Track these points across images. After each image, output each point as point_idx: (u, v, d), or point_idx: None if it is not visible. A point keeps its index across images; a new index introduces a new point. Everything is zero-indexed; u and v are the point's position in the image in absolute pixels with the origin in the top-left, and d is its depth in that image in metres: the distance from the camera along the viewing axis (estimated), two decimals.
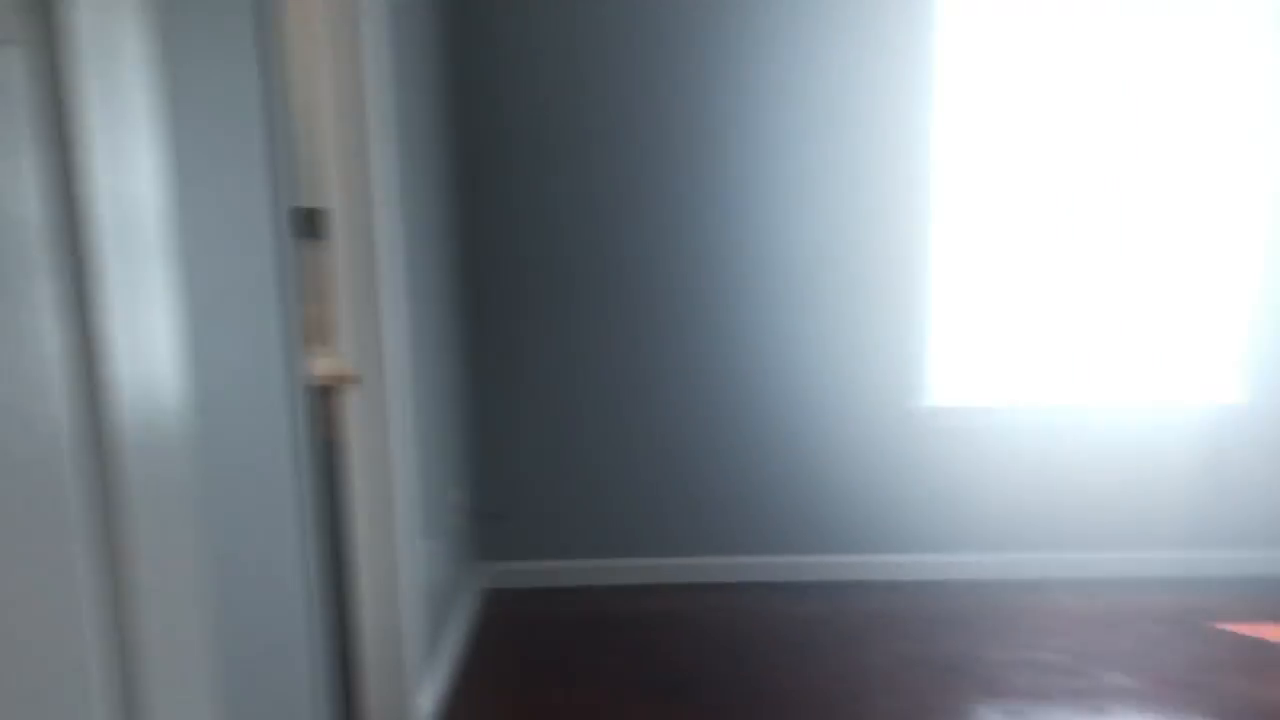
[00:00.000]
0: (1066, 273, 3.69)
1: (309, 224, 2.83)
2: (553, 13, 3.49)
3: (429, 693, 2.92)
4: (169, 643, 1.26)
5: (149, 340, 1.23)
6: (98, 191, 1.13)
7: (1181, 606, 3.59)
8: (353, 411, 2.60)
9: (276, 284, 1.84)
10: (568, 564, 3.86)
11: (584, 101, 3.56)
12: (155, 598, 1.23)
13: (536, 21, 3.50)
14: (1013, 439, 3.77)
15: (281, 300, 1.86)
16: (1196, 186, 3.63)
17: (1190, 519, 3.82)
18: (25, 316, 1.06)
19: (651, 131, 3.58)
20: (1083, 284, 3.70)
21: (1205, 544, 3.84)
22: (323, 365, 2.58)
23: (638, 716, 2.96)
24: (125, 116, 1.19)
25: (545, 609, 3.69)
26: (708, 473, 3.80)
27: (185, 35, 1.50)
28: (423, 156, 3.04)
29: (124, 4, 1.18)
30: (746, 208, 3.62)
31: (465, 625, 3.49)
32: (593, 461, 3.80)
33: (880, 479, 3.81)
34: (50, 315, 1.09)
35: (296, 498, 1.93)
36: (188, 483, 1.33)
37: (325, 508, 2.49)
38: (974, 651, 3.30)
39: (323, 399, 2.62)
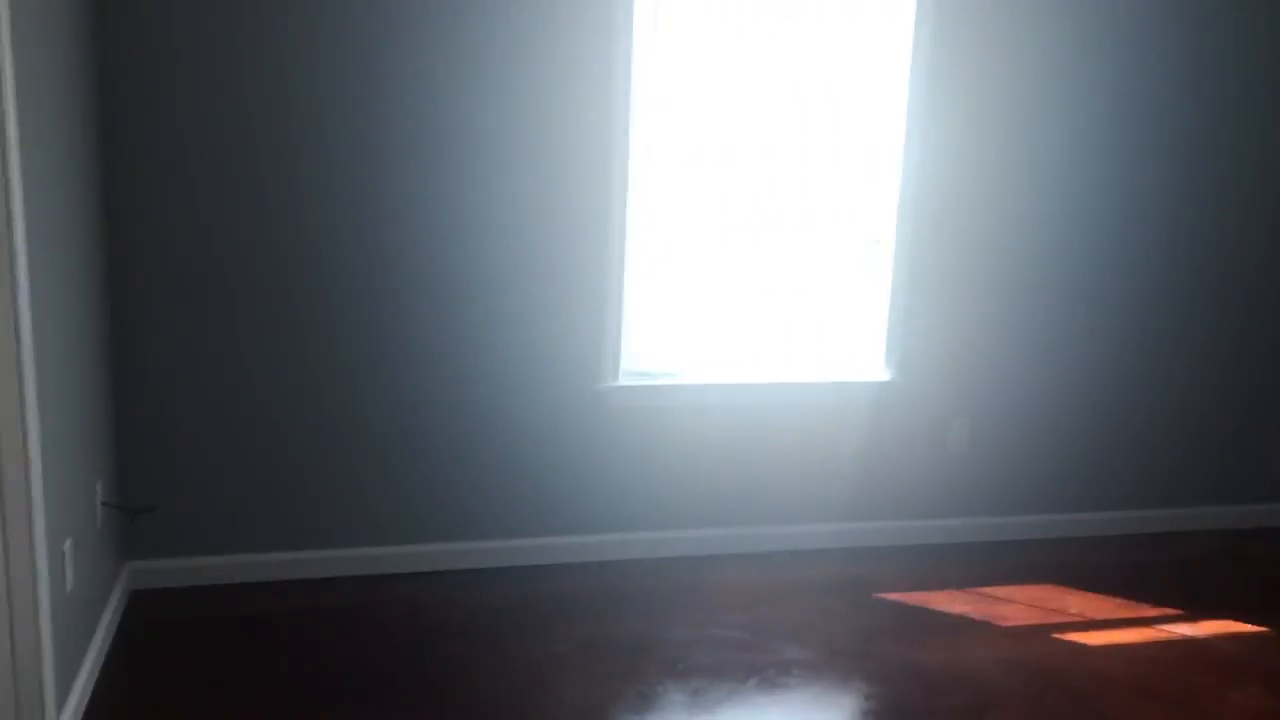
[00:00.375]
0: (740, 264, 3.78)
1: None
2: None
3: (65, 717, 2.55)
4: None
5: None
6: None
7: (846, 577, 3.77)
8: None
9: None
10: (229, 560, 3.53)
11: (247, 86, 3.23)
12: None
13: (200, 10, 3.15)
14: (692, 418, 3.82)
15: None
16: (850, 190, 3.82)
17: (850, 492, 4.03)
18: None
19: (323, 110, 3.31)
20: (754, 274, 3.80)
21: (864, 515, 4.06)
22: None
23: None
24: None
25: (203, 610, 3.35)
26: (384, 459, 3.59)
27: None
28: (52, 109, 2.64)
29: None
30: (428, 190, 3.44)
31: (109, 634, 3.10)
32: (257, 450, 3.49)
33: (565, 460, 3.74)
34: None
35: None
36: None
37: None
38: (657, 631, 3.31)
39: None
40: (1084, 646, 3.31)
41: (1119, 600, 3.66)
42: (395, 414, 3.56)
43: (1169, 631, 3.43)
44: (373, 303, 3.47)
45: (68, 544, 2.67)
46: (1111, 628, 3.45)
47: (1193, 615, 3.56)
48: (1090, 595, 3.69)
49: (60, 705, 2.59)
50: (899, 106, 3.79)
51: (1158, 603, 3.65)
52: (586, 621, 3.36)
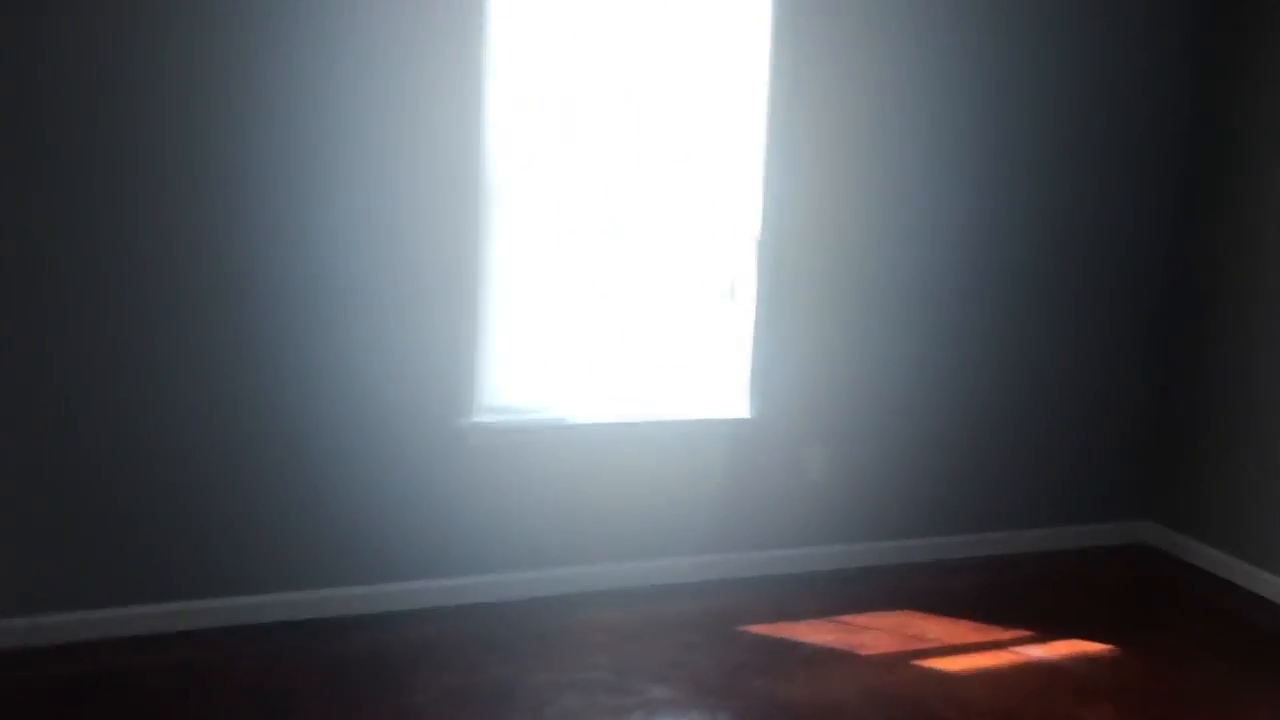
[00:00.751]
0: (603, 300, 3.75)
1: None
2: None
3: None
4: None
5: None
6: None
7: (710, 611, 3.75)
8: None
9: None
10: (65, 617, 3.28)
11: (73, 93, 3.04)
12: None
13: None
14: (554, 455, 3.75)
15: None
16: (710, 227, 3.84)
17: (713, 524, 4.02)
18: None
19: (159, 123, 3.14)
20: (617, 311, 3.77)
21: (727, 547, 4.05)
22: None
23: None
24: None
25: (39, 672, 3.09)
26: (226, 503, 3.40)
27: None
28: None
29: None
30: (271, 213, 3.29)
31: None
32: (90, 498, 3.26)
33: (424, 500, 3.62)
34: None
35: None
36: None
37: None
38: (522, 676, 3.22)
39: None
40: (943, 673, 3.36)
41: (974, 624, 3.74)
42: (235, 454, 3.38)
43: (1023, 654, 3.52)
44: (207, 334, 3.29)
45: None
46: (968, 652, 3.52)
47: (1043, 637, 3.66)
48: (946, 620, 3.77)
49: None
50: (756, 143, 3.82)
51: (1010, 625, 3.74)
52: (448, 669, 3.24)
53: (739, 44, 3.75)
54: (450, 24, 3.38)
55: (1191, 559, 4.42)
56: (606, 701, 3.09)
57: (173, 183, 3.17)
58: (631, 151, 3.68)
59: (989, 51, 4.04)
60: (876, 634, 3.63)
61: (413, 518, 3.62)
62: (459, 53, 3.40)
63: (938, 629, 3.69)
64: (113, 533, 3.30)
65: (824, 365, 4.04)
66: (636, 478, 3.88)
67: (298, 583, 3.52)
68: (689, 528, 3.99)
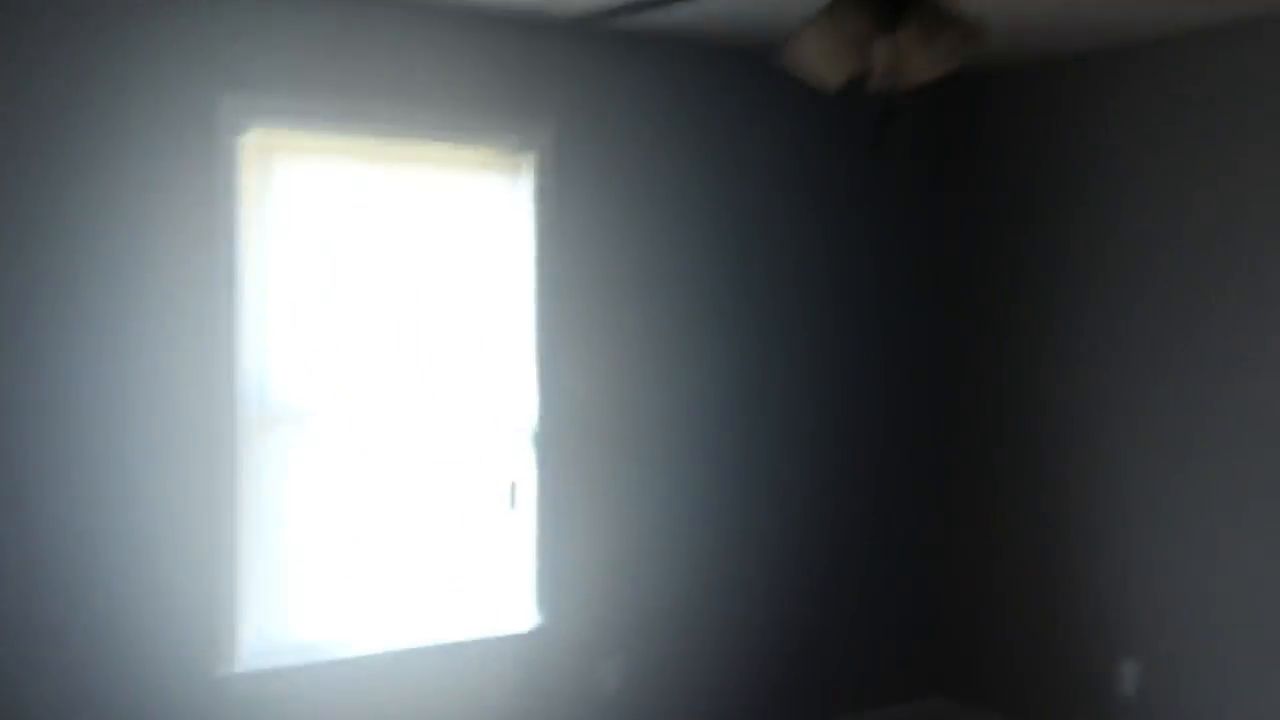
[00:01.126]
0: (375, 516, 3.54)
1: None
2: None
3: None
4: None
5: None
6: None
7: None
8: None
9: None
10: None
11: None
12: None
13: None
14: (327, 696, 3.42)
15: None
16: (487, 428, 3.75)
17: None
18: None
19: None
20: (389, 527, 3.57)
21: None
22: None
23: None
24: None
25: None
26: None
27: None
28: None
29: None
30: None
31: None
32: None
33: None
34: None
35: None
36: None
37: None
38: None
39: None
40: None
41: None
42: None
43: None
44: None
45: None
46: None
47: None
48: None
49: None
50: (526, 339, 3.78)
51: None
52: None
53: (501, 239, 3.74)
54: (200, 237, 3.20)
55: None
56: None
57: None
58: (398, 357, 3.56)
59: (742, 225, 4.17)
60: None
61: None
62: (208, 260, 3.22)
63: None
64: None
65: (611, 566, 3.91)
66: (419, 708, 3.60)
67: None
68: None
